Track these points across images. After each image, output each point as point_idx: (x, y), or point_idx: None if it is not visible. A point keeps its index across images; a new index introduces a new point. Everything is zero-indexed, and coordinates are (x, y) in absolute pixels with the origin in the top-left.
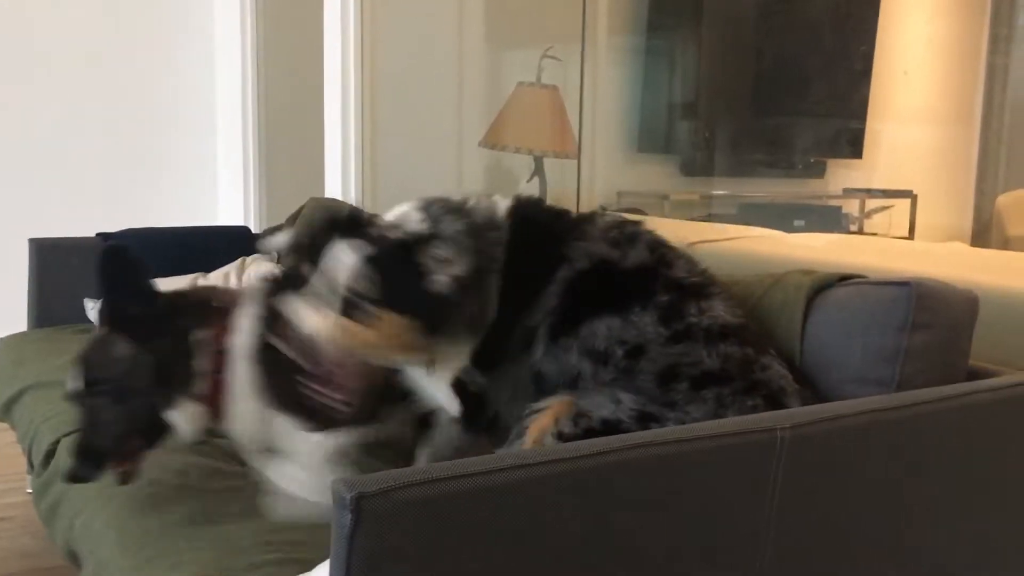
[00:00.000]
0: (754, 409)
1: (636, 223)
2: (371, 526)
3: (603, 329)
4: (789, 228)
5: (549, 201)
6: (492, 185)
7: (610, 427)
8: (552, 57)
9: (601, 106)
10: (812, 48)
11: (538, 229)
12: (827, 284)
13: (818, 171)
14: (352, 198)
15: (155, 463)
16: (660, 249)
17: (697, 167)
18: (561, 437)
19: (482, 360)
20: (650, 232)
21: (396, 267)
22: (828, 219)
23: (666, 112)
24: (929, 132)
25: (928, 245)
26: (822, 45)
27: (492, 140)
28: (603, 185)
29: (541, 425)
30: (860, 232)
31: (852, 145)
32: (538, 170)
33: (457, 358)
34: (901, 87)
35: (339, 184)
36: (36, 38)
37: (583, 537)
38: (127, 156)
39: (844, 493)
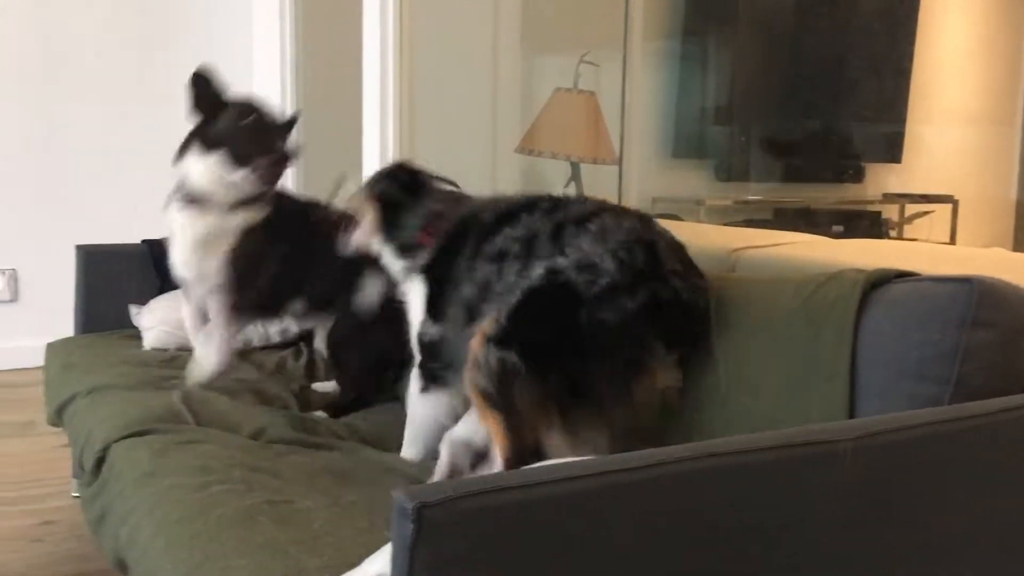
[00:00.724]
0: (632, 228)
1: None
2: (433, 536)
3: (500, 239)
4: (827, 233)
5: None
6: (528, 190)
7: (531, 294)
8: (589, 63)
9: (636, 111)
10: (850, 51)
11: (476, 210)
12: (883, 280)
13: (856, 175)
14: None
15: (201, 467)
16: (552, 195)
17: (732, 172)
18: (492, 339)
19: (432, 311)
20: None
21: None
22: (867, 224)
23: (701, 117)
24: (970, 135)
25: (971, 251)
26: (860, 47)
27: (528, 146)
28: (638, 191)
29: (475, 346)
30: (900, 238)
31: (891, 149)
32: (574, 176)
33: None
34: (941, 90)
35: None
36: (82, 49)
37: (644, 548)
38: (171, 165)
39: (911, 507)
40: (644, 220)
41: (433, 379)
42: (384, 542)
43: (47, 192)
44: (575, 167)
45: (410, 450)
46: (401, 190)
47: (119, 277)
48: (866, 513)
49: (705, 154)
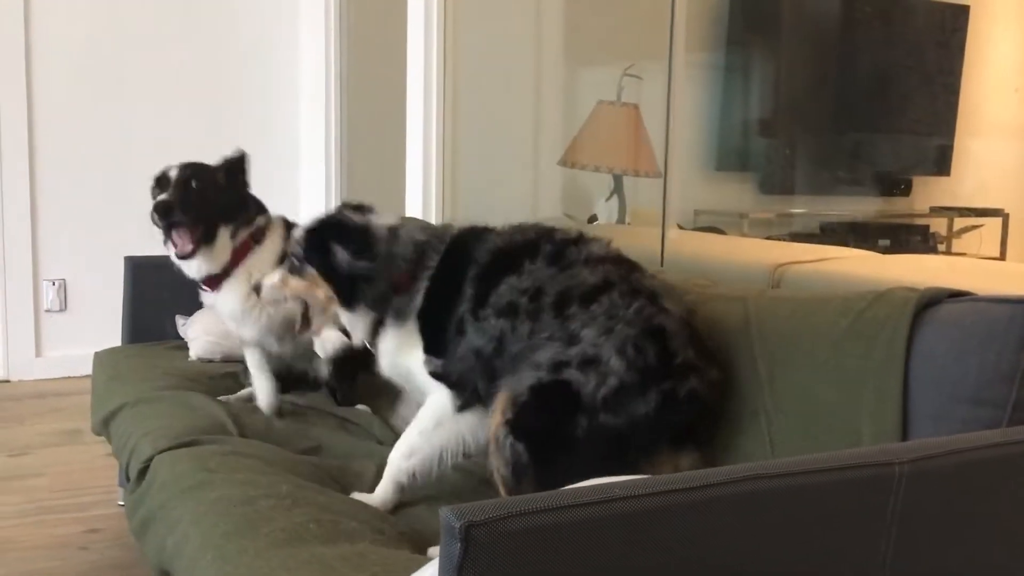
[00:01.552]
0: (640, 310)
1: (536, 225)
2: (481, 556)
3: (506, 289)
4: (874, 247)
5: (628, 218)
6: (570, 203)
7: (537, 392)
8: (633, 75)
9: (679, 124)
10: (897, 63)
11: (462, 244)
12: (936, 299)
13: (904, 188)
14: (432, 215)
15: (246, 480)
16: (545, 228)
17: (776, 185)
18: (509, 424)
19: (433, 348)
20: (541, 224)
21: (317, 242)
22: (915, 238)
23: (744, 129)
24: (1020, 148)
25: None
26: (908, 59)
27: (571, 159)
28: (680, 203)
29: (493, 426)
30: (948, 252)
31: (940, 162)
32: (617, 189)
33: (362, 323)
34: (990, 102)
35: (420, 202)
36: (132, 65)
37: (693, 570)
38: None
39: (967, 532)
40: (653, 296)
41: (475, 397)
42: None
43: (97, 204)
44: (618, 180)
45: (387, 493)
46: (343, 245)
47: (166, 288)
48: (922, 537)
49: (748, 167)
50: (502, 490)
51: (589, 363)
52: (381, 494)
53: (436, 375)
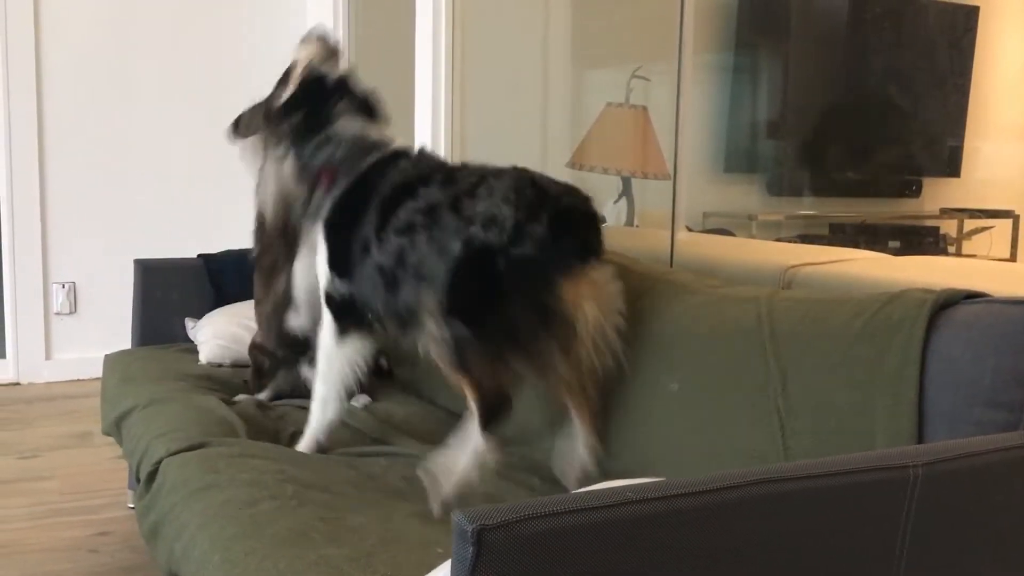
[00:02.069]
0: (511, 177)
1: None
2: (493, 560)
3: (403, 212)
4: (884, 249)
5: (637, 220)
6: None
7: (455, 268)
8: (641, 77)
9: (687, 126)
10: (907, 64)
11: (374, 174)
12: (952, 300)
13: (914, 190)
14: None
15: (252, 481)
16: (439, 163)
17: (785, 187)
18: (440, 314)
19: (338, 268)
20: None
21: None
22: (925, 239)
23: (753, 131)
24: None
25: None
26: (917, 61)
27: (579, 161)
28: (688, 205)
29: (427, 323)
30: (958, 253)
31: (949, 163)
32: (625, 191)
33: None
34: (1000, 103)
35: None
36: (144, 69)
37: (707, 573)
38: (226, 182)
39: (982, 535)
40: (518, 168)
41: (353, 324)
42: (436, 558)
43: (106, 207)
44: (626, 182)
45: (311, 439)
46: (328, 96)
47: (176, 291)
48: (936, 540)
49: (757, 168)
50: (451, 371)
51: (488, 221)
52: (304, 447)
53: (328, 297)
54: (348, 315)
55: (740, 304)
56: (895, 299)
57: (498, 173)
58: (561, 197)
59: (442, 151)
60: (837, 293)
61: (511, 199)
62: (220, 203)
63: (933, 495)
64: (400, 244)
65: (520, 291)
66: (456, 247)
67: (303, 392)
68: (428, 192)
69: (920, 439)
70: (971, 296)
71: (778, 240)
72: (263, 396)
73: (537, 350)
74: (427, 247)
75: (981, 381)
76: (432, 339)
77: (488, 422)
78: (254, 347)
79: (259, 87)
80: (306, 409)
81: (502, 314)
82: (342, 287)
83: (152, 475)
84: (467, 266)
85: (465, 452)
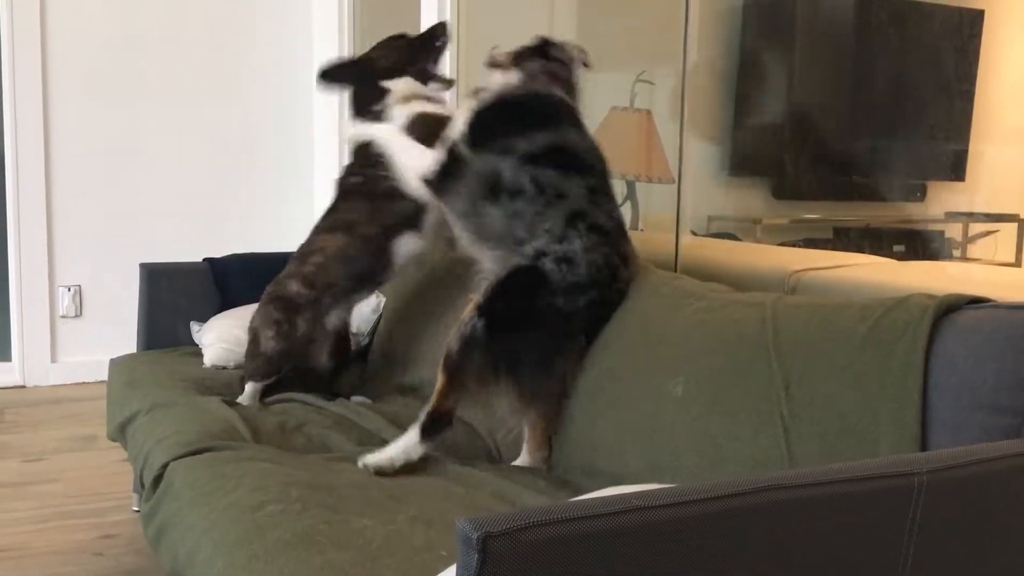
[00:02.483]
0: (611, 236)
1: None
2: (498, 567)
3: (547, 170)
4: (888, 253)
5: (641, 224)
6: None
7: (514, 273)
8: (645, 81)
9: (692, 129)
10: (912, 68)
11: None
12: (955, 305)
13: (918, 194)
14: None
15: (256, 486)
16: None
17: (789, 191)
18: (479, 308)
19: (475, 138)
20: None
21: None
22: (929, 243)
23: (758, 134)
24: None
25: None
26: (922, 64)
27: None
28: (693, 209)
29: (467, 311)
30: (963, 257)
31: (954, 167)
32: (630, 194)
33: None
34: (1006, 107)
35: None
36: (149, 72)
37: None
38: (232, 186)
39: (987, 542)
40: (619, 225)
41: (445, 191)
42: (441, 561)
43: (112, 211)
44: (630, 186)
45: None
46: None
47: (181, 295)
48: (941, 548)
49: (762, 172)
50: (441, 364)
51: (565, 261)
52: None
53: (450, 157)
54: (448, 180)
55: (744, 308)
56: (899, 304)
57: (609, 227)
58: (615, 290)
59: None
60: (841, 298)
61: (594, 262)
62: (226, 207)
63: (938, 502)
64: (523, 185)
65: (551, 334)
66: (527, 252)
67: (302, 375)
68: (577, 184)
69: (924, 444)
70: (974, 301)
71: (782, 244)
72: (258, 385)
73: (534, 392)
74: (530, 218)
75: (984, 386)
76: (456, 328)
77: (428, 433)
78: (269, 301)
79: (266, 89)
80: (306, 404)
81: (524, 342)
82: (468, 155)
83: (157, 479)
84: (522, 275)
85: (397, 447)
